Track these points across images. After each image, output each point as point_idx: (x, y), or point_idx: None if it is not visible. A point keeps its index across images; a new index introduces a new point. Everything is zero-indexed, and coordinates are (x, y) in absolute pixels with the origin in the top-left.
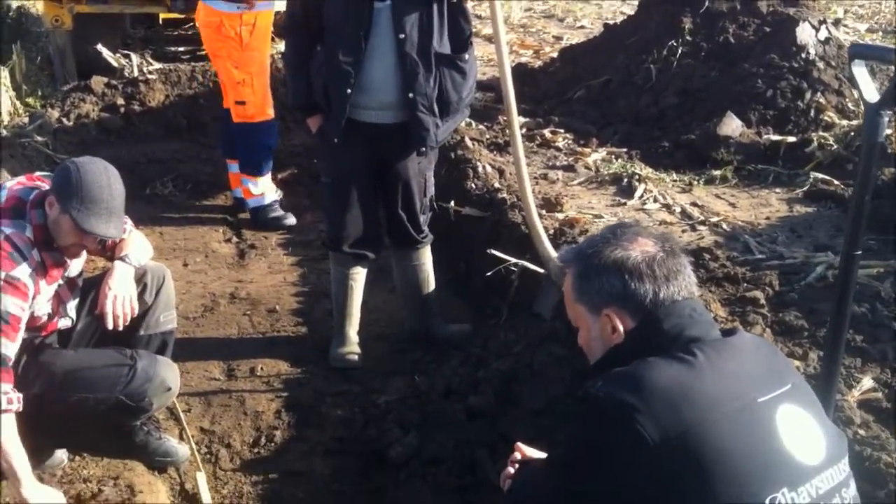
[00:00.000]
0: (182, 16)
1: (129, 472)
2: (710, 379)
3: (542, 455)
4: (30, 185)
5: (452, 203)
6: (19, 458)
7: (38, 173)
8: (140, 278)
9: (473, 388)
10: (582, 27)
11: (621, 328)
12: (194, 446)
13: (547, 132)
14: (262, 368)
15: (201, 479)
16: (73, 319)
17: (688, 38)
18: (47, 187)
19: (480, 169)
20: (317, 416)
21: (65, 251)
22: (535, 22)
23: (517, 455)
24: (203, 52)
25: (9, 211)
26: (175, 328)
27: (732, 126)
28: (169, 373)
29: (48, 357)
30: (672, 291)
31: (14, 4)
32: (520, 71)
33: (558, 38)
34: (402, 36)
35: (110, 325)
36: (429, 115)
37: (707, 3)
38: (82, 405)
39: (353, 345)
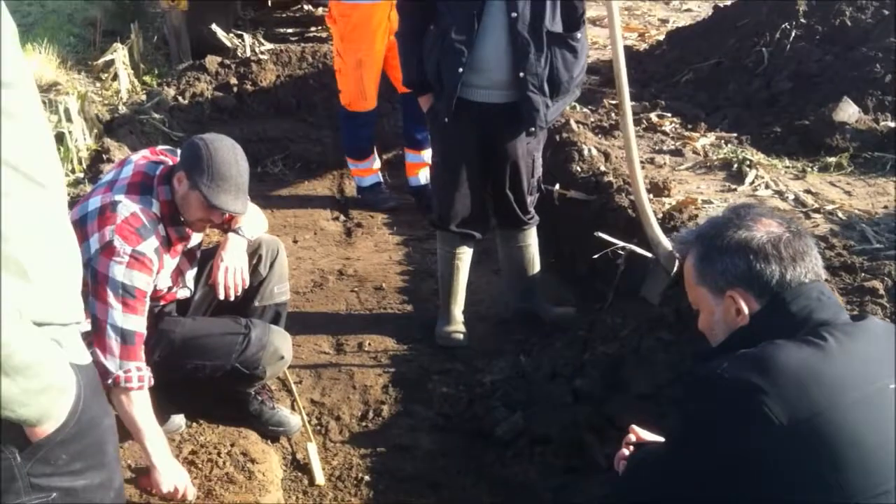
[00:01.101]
0: None
1: (244, 440)
2: (840, 363)
3: (658, 438)
4: (154, 160)
5: (557, 186)
6: (153, 436)
7: (160, 147)
8: (255, 250)
9: (579, 371)
10: (689, 10)
11: (746, 310)
12: (305, 417)
13: (653, 116)
14: (369, 344)
15: (312, 449)
16: (191, 290)
17: (802, 20)
18: (171, 162)
19: (586, 152)
20: (422, 393)
21: (190, 225)
22: (640, 4)
23: (632, 437)
24: (311, 34)
25: (136, 186)
26: (288, 300)
27: (849, 112)
28: (282, 342)
29: (167, 325)
30: (799, 273)
31: None
32: (625, 54)
33: (664, 21)
34: (514, 15)
35: (222, 296)
36: (539, 95)
37: None
38: (199, 372)
39: (458, 324)
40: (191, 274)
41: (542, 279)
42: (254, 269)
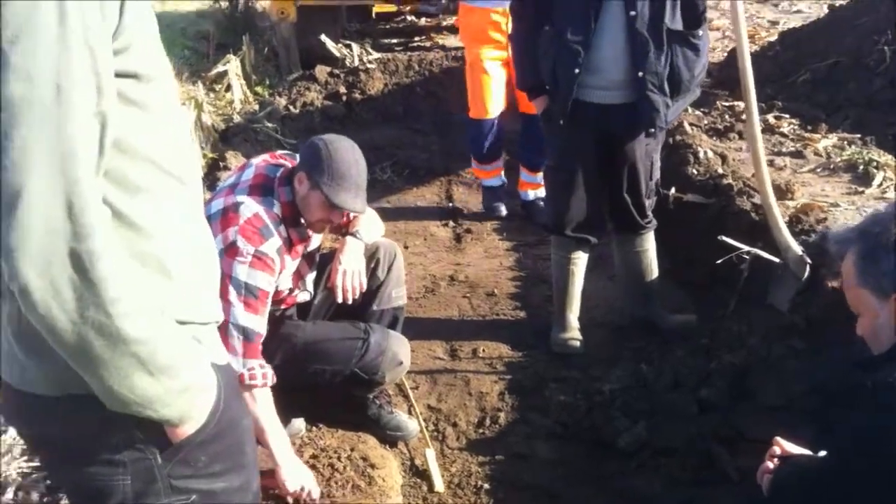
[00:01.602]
0: (394, 9)
1: (363, 445)
2: None
3: (804, 451)
4: (275, 163)
5: (673, 190)
6: (277, 434)
7: (279, 152)
8: (373, 254)
9: (704, 381)
10: (799, 11)
11: None
12: (422, 423)
13: (770, 117)
14: (483, 350)
15: (431, 455)
16: (311, 293)
17: None
18: (291, 165)
19: (702, 154)
20: (539, 400)
21: (311, 226)
22: (748, 6)
23: (776, 450)
24: (415, 44)
25: (258, 188)
26: (405, 304)
27: None
28: (400, 347)
29: (288, 329)
30: None
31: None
32: (734, 58)
33: (774, 23)
34: (633, 13)
35: (340, 299)
36: (659, 95)
37: None
38: (319, 376)
39: (574, 330)
40: (310, 277)
41: (659, 286)
42: (372, 273)
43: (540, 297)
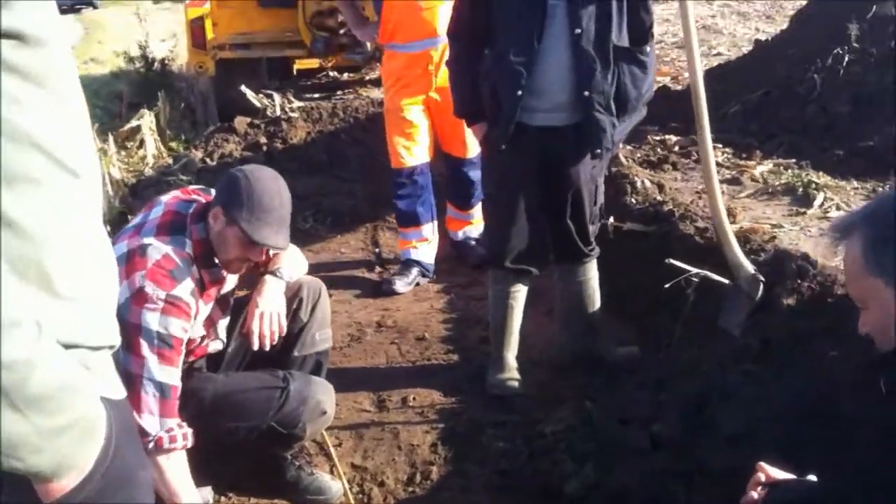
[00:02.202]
0: (317, 65)
1: None
2: None
3: (789, 476)
4: (187, 199)
5: (612, 219)
6: (191, 499)
7: (192, 187)
8: (295, 293)
9: (655, 414)
10: (719, 54)
11: None
12: (346, 484)
13: None
14: (414, 398)
15: None
16: (223, 342)
17: (855, 44)
18: (204, 200)
19: (639, 184)
20: (476, 449)
21: (226, 266)
22: (667, 52)
23: (761, 476)
24: (338, 97)
25: (167, 226)
26: (330, 348)
27: None
28: (324, 395)
29: (196, 383)
30: None
31: (157, 50)
32: (662, 93)
33: None
34: (578, 31)
35: (256, 346)
36: (606, 115)
37: (875, 9)
38: (232, 435)
39: (512, 370)
40: (223, 324)
41: (601, 318)
42: (294, 315)
43: (475, 339)
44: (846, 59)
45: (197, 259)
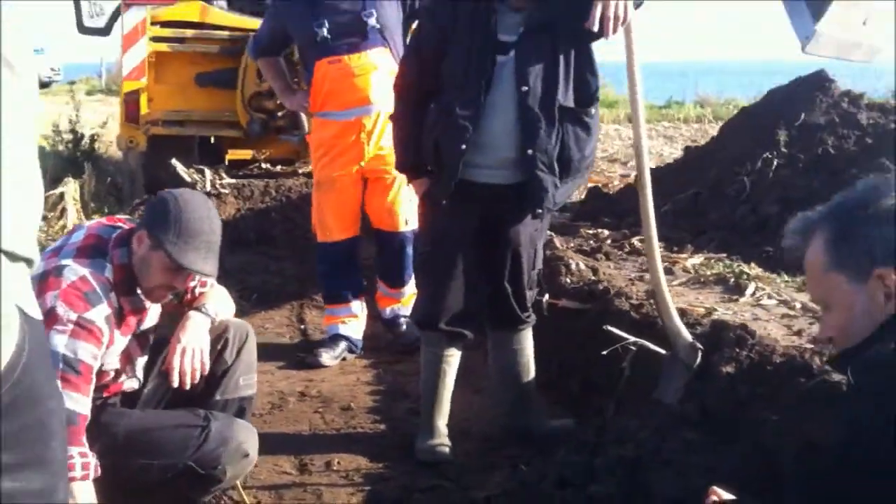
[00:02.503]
0: (249, 156)
1: None
2: None
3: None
4: (111, 224)
5: (546, 296)
6: None
7: (119, 215)
8: (221, 334)
9: (591, 477)
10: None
11: None
12: None
13: (635, 241)
14: (338, 463)
15: None
16: (139, 380)
17: (783, 150)
18: (129, 228)
19: (573, 266)
20: None
21: (148, 294)
22: (598, 164)
23: (713, 498)
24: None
25: (87, 249)
26: (255, 394)
27: None
28: (247, 436)
29: (108, 417)
30: None
31: (87, 132)
32: (593, 194)
33: (625, 176)
34: (524, 88)
35: (176, 383)
36: (548, 174)
37: (803, 117)
38: (145, 473)
39: (442, 437)
40: (141, 362)
41: (535, 390)
42: (218, 356)
43: (402, 412)
44: (775, 163)
45: (116, 285)
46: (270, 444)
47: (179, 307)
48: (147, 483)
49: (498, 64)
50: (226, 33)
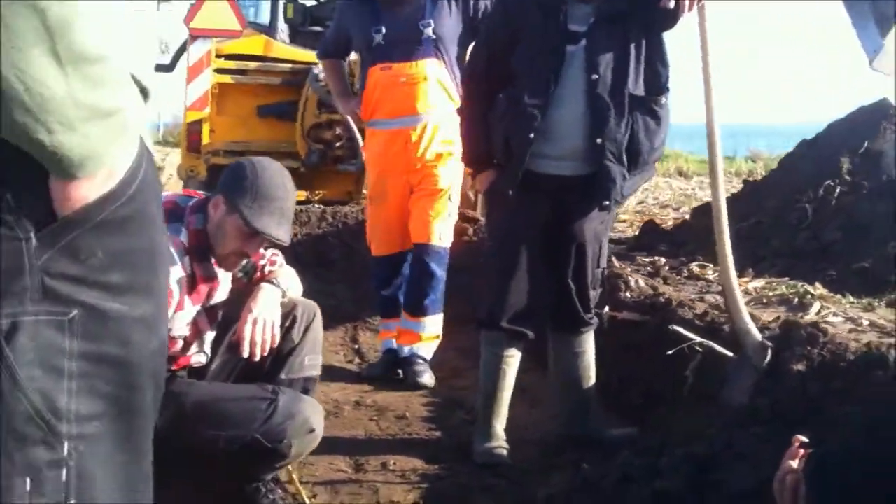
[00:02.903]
0: (303, 197)
1: None
2: None
3: None
4: (187, 195)
5: (607, 308)
6: None
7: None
8: (289, 312)
9: (658, 475)
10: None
11: None
12: None
13: (694, 266)
14: (394, 464)
15: None
16: (207, 356)
17: (846, 177)
18: (205, 197)
19: (633, 283)
20: None
21: (221, 261)
22: (650, 208)
23: (798, 449)
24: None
25: (165, 214)
26: (319, 376)
27: None
28: (314, 412)
29: (177, 387)
30: None
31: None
32: (648, 228)
33: (678, 220)
34: (595, 77)
35: (246, 353)
36: (617, 165)
37: (867, 144)
38: (212, 444)
39: (500, 439)
40: (209, 337)
41: (597, 397)
42: (285, 334)
43: (457, 421)
44: (837, 190)
45: (191, 250)
46: (326, 446)
47: (249, 286)
48: (213, 454)
49: (568, 54)
50: (287, 66)
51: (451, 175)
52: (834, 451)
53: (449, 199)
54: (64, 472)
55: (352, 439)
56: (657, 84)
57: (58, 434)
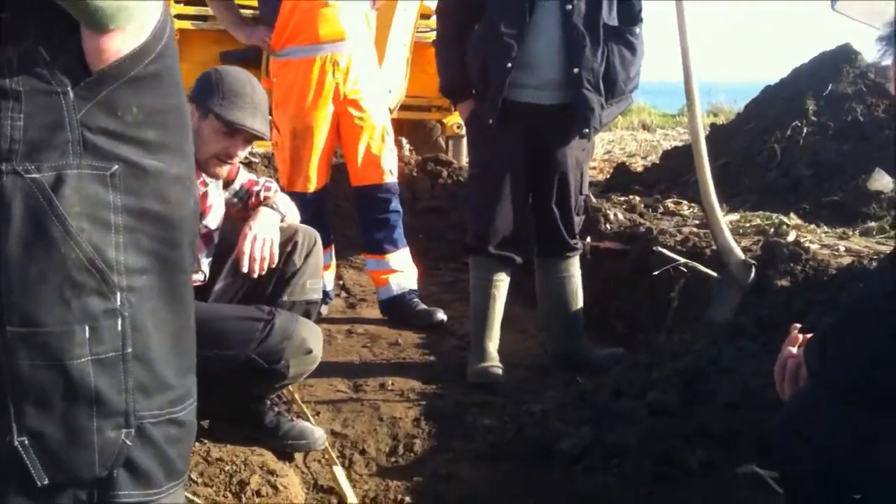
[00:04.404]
0: (267, 147)
1: (259, 457)
2: None
3: None
4: None
5: (588, 239)
6: None
7: None
8: (291, 237)
9: (650, 388)
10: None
11: None
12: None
13: (669, 203)
14: (392, 384)
15: (340, 472)
16: (205, 274)
17: (812, 118)
18: None
19: (612, 216)
20: (461, 426)
21: (206, 168)
22: (618, 157)
23: (798, 335)
24: None
25: None
26: (320, 299)
27: (883, 181)
28: (311, 333)
29: None
30: None
31: None
32: (620, 171)
33: (646, 166)
34: (569, 7)
35: (246, 268)
36: (594, 94)
37: (830, 87)
38: (208, 364)
39: (493, 359)
40: (204, 257)
41: (584, 319)
42: (287, 258)
43: (450, 347)
44: (805, 130)
45: None
46: (323, 370)
47: (244, 212)
48: (209, 375)
49: None
50: (249, 12)
51: (381, 108)
52: (829, 330)
53: (386, 132)
54: (119, 321)
55: (348, 364)
56: (630, 14)
57: (111, 284)
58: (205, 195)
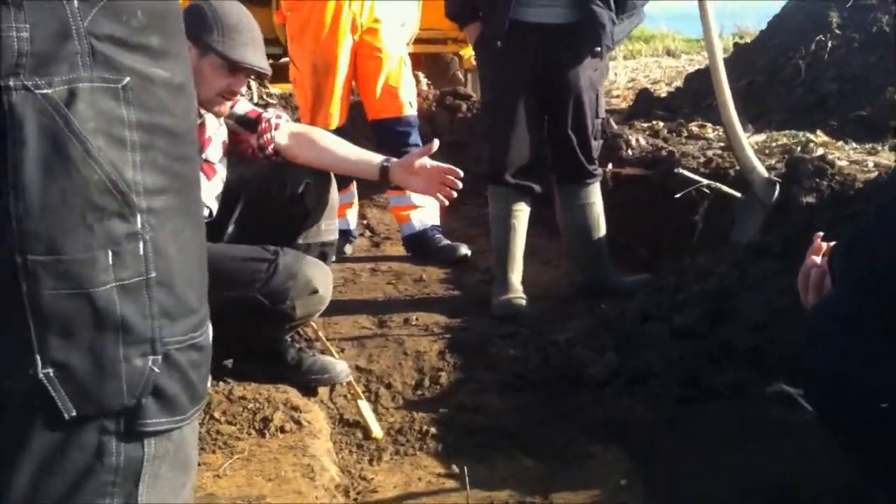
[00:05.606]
0: (289, 90)
1: (283, 394)
2: None
3: None
4: None
5: (610, 166)
6: None
7: None
8: (302, 179)
9: (675, 310)
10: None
11: None
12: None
13: (693, 126)
14: (416, 319)
15: (365, 406)
16: (210, 209)
17: (836, 31)
18: None
19: (633, 141)
20: (486, 357)
21: (207, 106)
22: (642, 84)
23: (821, 243)
24: None
25: None
26: (336, 240)
27: None
28: (317, 272)
29: None
30: None
31: None
32: (643, 97)
33: (670, 92)
34: None
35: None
36: (604, 9)
37: None
38: (212, 305)
39: (517, 291)
40: (212, 189)
41: (608, 246)
42: (301, 200)
43: (474, 281)
44: (829, 44)
45: None
46: (347, 307)
47: (257, 149)
48: (214, 316)
49: None
50: None
51: (399, 38)
52: (854, 238)
53: (404, 63)
54: (141, 245)
55: (372, 301)
56: None
57: (132, 206)
58: (202, 126)
